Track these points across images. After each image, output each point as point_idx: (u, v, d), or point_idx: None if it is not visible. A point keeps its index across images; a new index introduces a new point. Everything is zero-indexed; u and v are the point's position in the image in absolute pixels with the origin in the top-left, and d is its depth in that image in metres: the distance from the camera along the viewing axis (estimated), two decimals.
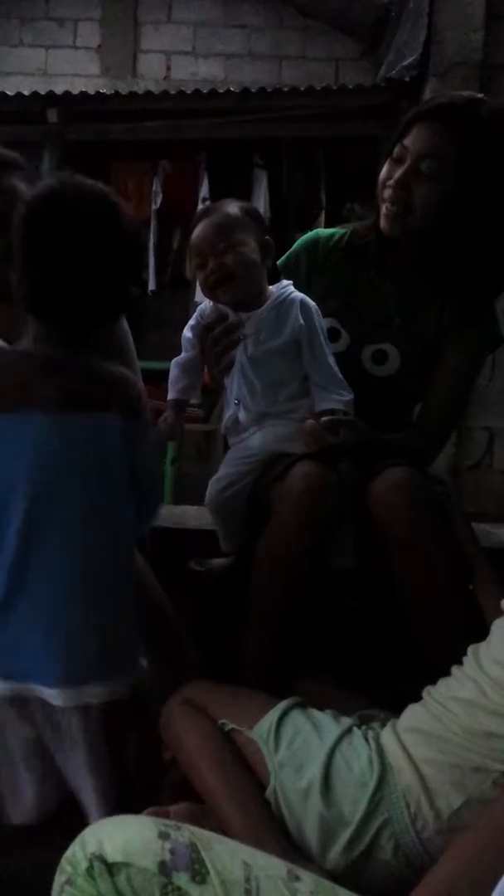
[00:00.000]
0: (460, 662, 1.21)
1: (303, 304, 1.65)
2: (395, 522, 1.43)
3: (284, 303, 1.64)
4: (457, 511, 1.56)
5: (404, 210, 1.61)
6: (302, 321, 1.62)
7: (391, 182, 1.60)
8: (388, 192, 1.62)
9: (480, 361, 1.77)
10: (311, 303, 1.66)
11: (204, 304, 1.71)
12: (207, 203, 5.59)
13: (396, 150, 1.60)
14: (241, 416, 1.63)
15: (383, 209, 1.64)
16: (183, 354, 1.70)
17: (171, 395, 1.70)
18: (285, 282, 1.69)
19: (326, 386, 1.61)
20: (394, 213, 1.62)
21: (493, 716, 1.08)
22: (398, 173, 1.59)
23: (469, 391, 1.78)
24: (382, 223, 1.66)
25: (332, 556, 1.54)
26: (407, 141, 1.58)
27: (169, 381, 1.71)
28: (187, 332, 1.70)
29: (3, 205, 1.71)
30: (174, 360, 1.71)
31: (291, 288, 1.68)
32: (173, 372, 1.70)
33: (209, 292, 1.64)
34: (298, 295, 1.66)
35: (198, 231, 1.63)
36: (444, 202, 1.58)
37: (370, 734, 1.22)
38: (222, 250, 1.60)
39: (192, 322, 1.70)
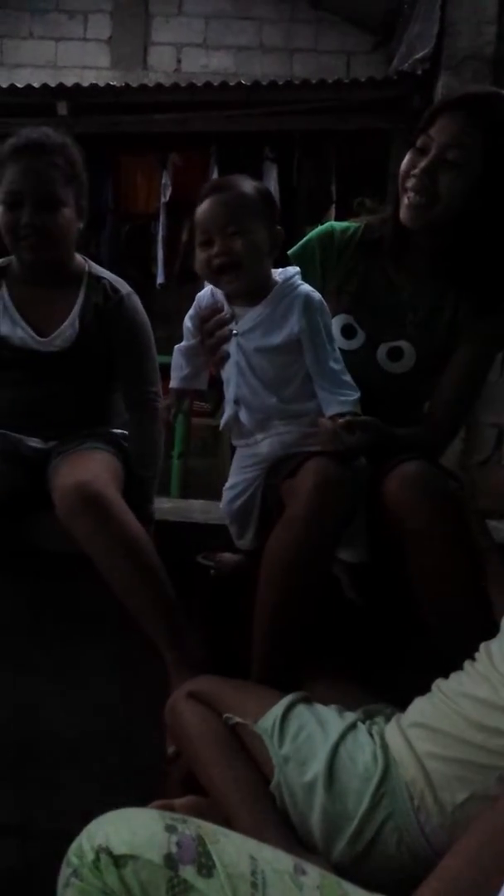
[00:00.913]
0: (472, 657, 1.21)
1: (307, 301, 1.56)
2: (410, 516, 1.42)
3: (286, 299, 1.56)
4: (471, 506, 1.56)
5: (429, 199, 1.58)
6: (304, 321, 1.54)
7: (416, 171, 1.58)
8: (411, 182, 1.59)
9: (492, 357, 1.75)
10: (317, 297, 1.58)
11: (202, 292, 1.67)
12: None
13: (420, 140, 1.58)
14: (244, 417, 1.60)
15: (405, 199, 1.61)
16: (185, 342, 1.68)
17: (172, 383, 1.67)
18: (292, 269, 1.62)
19: (330, 388, 1.55)
20: (418, 202, 1.59)
21: (503, 713, 1.08)
22: (423, 163, 1.57)
23: (480, 386, 1.77)
24: (404, 214, 1.63)
25: (345, 551, 1.54)
26: (432, 131, 1.56)
27: (171, 368, 1.69)
28: (187, 321, 1.67)
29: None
30: (176, 347, 1.68)
31: (298, 280, 1.60)
32: (176, 359, 1.68)
33: (211, 276, 1.58)
34: (304, 290, 1.58)
35: (208, 205, 1.54)
36: (468, 191, 1.56)
37: (374, 729, 1.22)
38: (232, 233, 1.52)
39: (191, 311, 1.67)
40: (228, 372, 1.61)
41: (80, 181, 1.86)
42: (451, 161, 1.54)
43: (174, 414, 1.70)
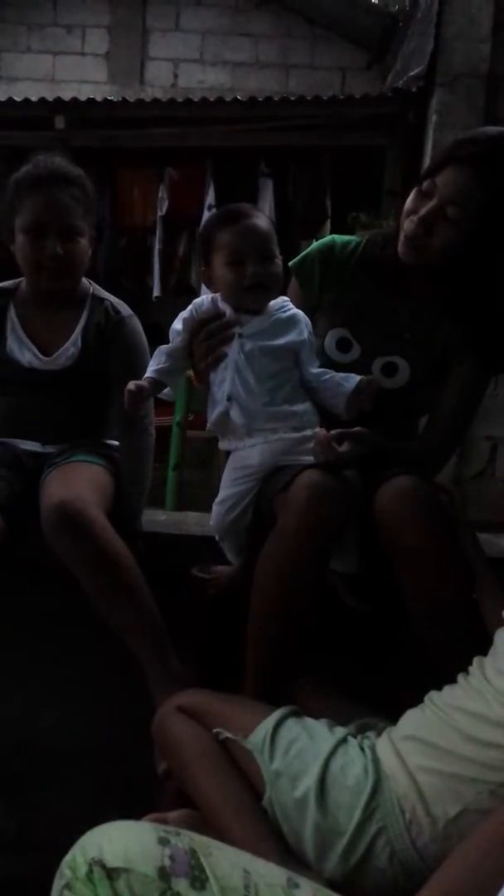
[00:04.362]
0: (464, 669, 1.22)
1: (305, 319, 1.69)
2: (400, 530, 1.42)
3: (286, 314, 1.67)
4: (462, 519, 1.56)
5: (422, 246, 1.61)
6: (307, 333, 1.66)
7: (415, 217, 1.60)
8: (409, 225, 1.61)
9: (487, 378, 1.76)
10: (310, 322, 1.70)
11: (201, 298, 1.71)
12: (214, 210, 5.60)
13: (426, 183, 1.59)
14: (234, 414, 1.62)
15: (402, 237, 1.64)
16: (169, 344, 1.70)
17: (147, 374, 1.67)
18: (284, 297, 1.71)
19: (334, 374, 1.64)
20: (412, 245, 1.62)
21: (496, 727, 1.08)
22: (423, 210, 1.58)
23: (476, 408, 1.78)
24: (400, 249, 1.65)
25: (336, 561, 1.54)
26: (438, 179, 1.56)
27: (150, 363, 1.69)
28: (177, 325, 1.69)
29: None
30: (159, 348, 1.71)
31: (290, 302, 1.71)
32: (156, 356, 1.69)
33: (240, 292, 1.63)
34: (300, 311, 1.69)
35: (241, 230, 1.62)
36: (461, 245, 1.57)
37: (366, 743, 1.22)
38: (265, 257, 1.62)
39: (184, 315, 1.69)
40: (223, 372, 1.63)
41: (94, 211, 1.93)
42: (450, 217, 1.55)
43: (137, 400, 1.67)
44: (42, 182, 1.83)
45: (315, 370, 1.64)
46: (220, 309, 1.65)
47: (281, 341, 1.63)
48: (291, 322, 1.66)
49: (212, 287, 1.69)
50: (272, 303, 1.67)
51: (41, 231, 1.81)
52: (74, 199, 1.84)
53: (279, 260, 1.65)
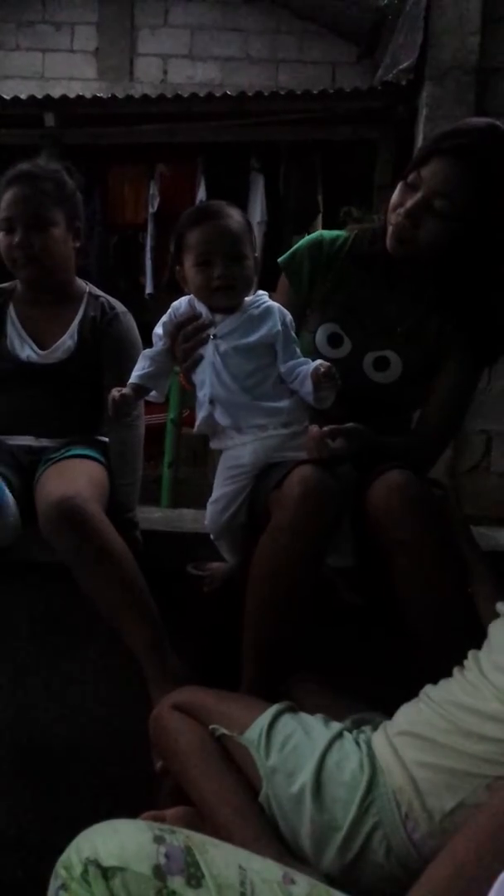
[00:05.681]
0: (459, 663, 1.22)
1: (281, 311, 1.66)
2: (394, 525, 1.42)
3: (261, 308, 1.65)
4: (456, 514, 1.56)
5: (410, 240, 1.60)
6: (280, 325, 1.63)
7: (402, 210, 1.59)
8: (396, 219, 1.61)
9: (480, 371, 1.76)
10: (288, 314, 1.67)
11: (179, 301, 1.71)
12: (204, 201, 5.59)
13: (411, 176, 1.58)
14: (219, 415, 1.62)
15: (390, 230, 1.63)
16: (153, 349, 1.70)
17: (131, 380, 1.67)
18: (261, 292, 1.70)
19: (298, 374, 1.61)
20: (400, 239, 1.61)
21: (492, 721, 1.08)
22: (409, 203, 1.58)
23: (468, 401, 1.78)
24: (388, 243, 1.65)
25: (331, 556, 1.54)
26: (424, 172, 1.56)
27: (133, 369, 1.69)
28: (158, 329, 1.69)
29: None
30: (143, 352, 1.72)
31: (267, 297, 1.69)
32: (140, 361, 1.70)
33: (208, 293, 1.62)
34: (276, 304, 1.67)
35: (209, 230, 1.60)
36: (450, 239, 1.57)
37: (361, 738, 1.23)
38: (233, 258, 1.60)
39: (164, 318, 1.69)
40: (202, 374, 1.63)
41: (72, 203, 1.97)
42: (437, 210, 1.55)
43: (122, 408, 1.67)
44: (12, 181, 1.90)
45: (285, 367, 1.62)
46: (196, 310, 1.65)
47: (254, 338, 1.61)
48: (265, 316, 1.64)
49: (185, 286, 1.68)
50: (247, 299, 1.65)
51: (11, 226, 1.88)
52: (42, 191, 1.89)
53: (250, 261, 1.63)
